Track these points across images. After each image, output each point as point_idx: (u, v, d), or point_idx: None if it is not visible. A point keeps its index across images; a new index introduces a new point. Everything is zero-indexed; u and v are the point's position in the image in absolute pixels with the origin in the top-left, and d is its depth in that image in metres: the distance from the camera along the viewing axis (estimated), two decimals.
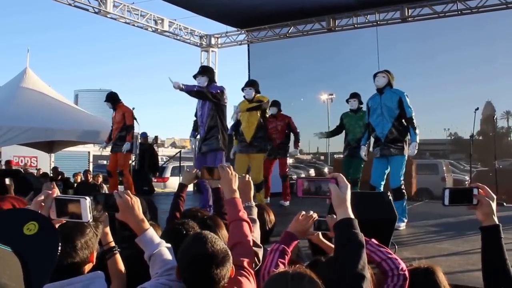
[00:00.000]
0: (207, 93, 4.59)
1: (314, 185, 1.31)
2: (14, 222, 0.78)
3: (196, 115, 5.10)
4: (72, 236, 1.26)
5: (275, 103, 6.66)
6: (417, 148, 4.46)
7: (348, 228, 1.18)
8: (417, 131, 4.47)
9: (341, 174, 1.28)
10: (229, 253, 1.35)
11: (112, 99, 6.59)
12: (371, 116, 4.71)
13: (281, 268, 1.48)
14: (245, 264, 1.45)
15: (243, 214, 1.65)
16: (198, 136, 5.17)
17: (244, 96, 5.52)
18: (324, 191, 1.28)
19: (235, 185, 1.76)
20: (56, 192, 1.19)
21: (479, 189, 1.37)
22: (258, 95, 5.55)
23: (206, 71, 4.88)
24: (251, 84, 5.55)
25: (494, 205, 1.37)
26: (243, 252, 1.50)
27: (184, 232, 1.70)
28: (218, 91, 4.67)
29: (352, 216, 1.21)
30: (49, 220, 0.86)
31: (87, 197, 1.18)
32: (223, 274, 1.31)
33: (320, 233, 1.71)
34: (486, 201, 1.36)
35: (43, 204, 1.17)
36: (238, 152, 5.59)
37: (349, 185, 1.26)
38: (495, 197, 1.38)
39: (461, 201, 1.40)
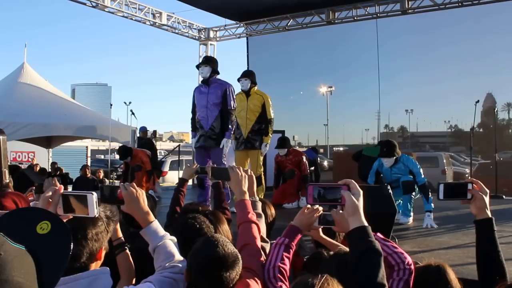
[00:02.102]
0: (232, 121, 4.81)
1: (325, 192, 1.28)
2: (27, 221, 0.79)
3: (193, 110, 5.03)
4: (84, 224, 1.25)
5: (283, 143, 5.78)
6: (432, 219, 4.42)
7: (365, 237, 1.18)
8: (430, 197, 4.44)
9: (353, 181, 1.26)
10: (239, 256, 1.36)
11: (127, 153, 6.61)
12: (383, 173, 4.82)
13: (286, 262, 1.47)
14: (253, 266, 1.44)
15: (252, 216, 1.65)
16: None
17: (241, 88, 5.40)
18: (336, 198, 1.26)
19: (245, 187, 1.75)
20: (63, 188, 1.19)
21: (473, 184, 1.41)
22: (256, 88, 5.39)
23: (209, 61, 4.94)
24: (247, 74, 5.40)
25: (487, 199, 1.41)
26: (251, 254, 1.50)
27: (198, 226, 1.69)
28: (232, 99, 4.80)
29: (366, 223, 1.20)
30: (61, 219, 0.86)
31: (93, 193, 1.18)
32: (232, 278, 1.31)
33: (320, 229, 1.69)
34: (480, 195, 1.40)
35: (50, 200, 1.16)
36: (236, 149, 5.39)
37: (361, 192, 1.24)
38: (488, 191, 1.43)
39: (455, 196, 1.43)
